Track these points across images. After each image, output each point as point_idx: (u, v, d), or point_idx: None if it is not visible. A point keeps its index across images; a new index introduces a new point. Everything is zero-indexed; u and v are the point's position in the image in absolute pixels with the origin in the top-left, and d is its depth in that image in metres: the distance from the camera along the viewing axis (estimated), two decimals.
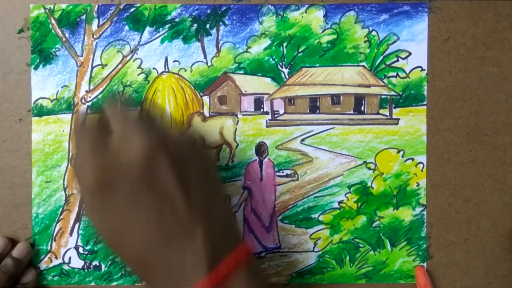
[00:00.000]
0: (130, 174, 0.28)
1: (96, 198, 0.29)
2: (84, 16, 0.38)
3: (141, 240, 0.28)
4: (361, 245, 0.40)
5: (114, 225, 0.29)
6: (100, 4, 0.38)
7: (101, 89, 0.39)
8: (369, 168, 0.39)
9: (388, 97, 0.39)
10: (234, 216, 0.33)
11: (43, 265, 0.39)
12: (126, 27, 0.39)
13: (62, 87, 0.39)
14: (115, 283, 0.39)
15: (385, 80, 0.39)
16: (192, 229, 0.28)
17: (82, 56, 0.39)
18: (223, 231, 0.30)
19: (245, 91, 0.39)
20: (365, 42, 0.39)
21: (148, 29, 0.39)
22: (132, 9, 0.39)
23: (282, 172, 0.39)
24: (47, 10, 0.38)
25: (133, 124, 0.30)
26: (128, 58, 0.39)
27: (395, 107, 0.39)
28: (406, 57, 0.39)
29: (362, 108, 0.39)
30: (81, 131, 0.32)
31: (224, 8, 0.39)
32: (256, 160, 0.39)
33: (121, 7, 0.39)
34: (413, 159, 0.39)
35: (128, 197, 0.28)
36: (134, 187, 0.28)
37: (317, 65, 0.39)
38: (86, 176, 0.29)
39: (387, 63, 0.39)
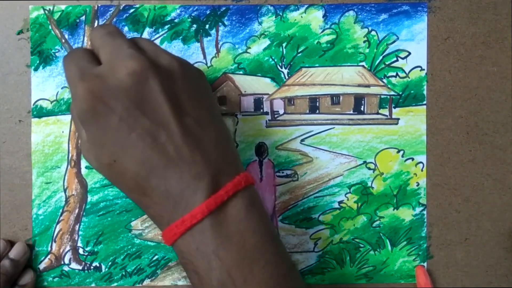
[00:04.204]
0: (121, 99, 0.28)
1: (89, 125, 0.29)
2: (84, 17, 0.38)
3: (138, 166, 0.28)
4: (362, 245, 0.40)
5: (110, 152, 0.28)
6: (99, 5, 0.38)
7: None
8: (369, 168, 0.39)
9: (388, 97, 0.39)
10: (233, 143, 0.32)
11: (43, 266, 0.39)
12: (126, 28, 0.39)
13: (62, 88, 0.39)
14: (115, 284, 0.39)
15: (384, 80, 0.39)
16: (189, 153, 0.28)
17: None
18: (223, 157, 0.29)
19: (245, 91, 0.39)
20: (364, 42, 0.39)
21: (147, 30, 0.39)
22: (132, 10, 0.39)
23: (282, 172, 0.39)
24: (46, 11, 0.38)
25: (121, 48, 0.29)
26: None
27: (394, 107, 0.39)
28: (406, 57, 0.39)
29: (362, 108, 0.39)
30: (69, 57, 0.31)
31: (224, 8, 0.39)
32: (256, 160, 0.39)
33: (121, 8, 0.39)
34: (413, 159, 0.39)
35: (121, 122, 0.28)
36: (125, 112, 0.28)
37: (317, 65, 0.39)
38: (77, 103, 0.28)
39: (387, 63, 0.39)
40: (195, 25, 0.39)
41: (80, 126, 0.30)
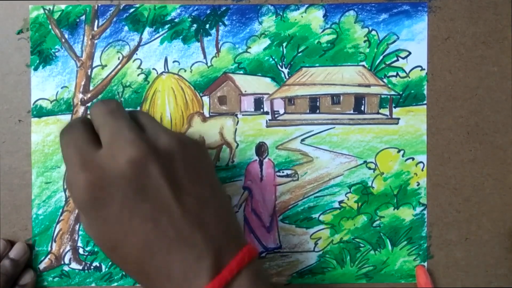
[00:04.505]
0: (121, 187, 0.28)
1: (90, 214, 0.29)
2: (84, 16, 0.38)
3: (140, 251, 0.28)
4: (362, 245, 0.40)
5: (112, 238, 0.29)
6: (99, 4, 0.38)
7: (101, 90, 0.39)
8: (370, 168, 0.39)
9: (388, 96, 0.39)
10: (235, 216, 0.33)
11: (43, 266, 0.39)
12: (126, 28, 0.39)
13: (61, 88, 0.38)
14: (115, 284, 0.39)
15: (385, 80, 0.39)
16: (191, 235, 0.28)
17: (81, 56, 0.39)
18: (225, 233, 0.30)
19: (245, 91, 0.39)
20: (365, 41, 0.39)
21: (147, 29, 0.39)
22: (132, 10, 0.39)
23: (282, 172, 0.39)
24: (46, 11, 0.38)
25: (121, 132, 0.29)
26: (127, 58, 0.39)
27: (395, 107, 0.39)
28: (406, 57, 0.39)
29: (362, 108, 0.39)
30: (67, 137, 0.31)
31: (224, 8, 0.39)
32: (256, 160, 0.39)
33: (121, 8, 0.38)
34: (413, 159, 0.39)
35: (122, 210, 0.28)
36: (126, 200, 0.28)
37: (317, 65, 0.39)
38: (77, 192, 0.29)
39: (387, 62, 0.39)
40: (195, 25, 0.39)
41: (78, 208, 0.30)
